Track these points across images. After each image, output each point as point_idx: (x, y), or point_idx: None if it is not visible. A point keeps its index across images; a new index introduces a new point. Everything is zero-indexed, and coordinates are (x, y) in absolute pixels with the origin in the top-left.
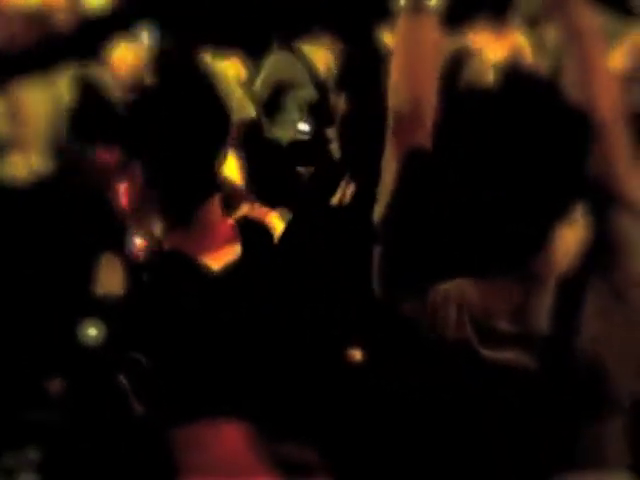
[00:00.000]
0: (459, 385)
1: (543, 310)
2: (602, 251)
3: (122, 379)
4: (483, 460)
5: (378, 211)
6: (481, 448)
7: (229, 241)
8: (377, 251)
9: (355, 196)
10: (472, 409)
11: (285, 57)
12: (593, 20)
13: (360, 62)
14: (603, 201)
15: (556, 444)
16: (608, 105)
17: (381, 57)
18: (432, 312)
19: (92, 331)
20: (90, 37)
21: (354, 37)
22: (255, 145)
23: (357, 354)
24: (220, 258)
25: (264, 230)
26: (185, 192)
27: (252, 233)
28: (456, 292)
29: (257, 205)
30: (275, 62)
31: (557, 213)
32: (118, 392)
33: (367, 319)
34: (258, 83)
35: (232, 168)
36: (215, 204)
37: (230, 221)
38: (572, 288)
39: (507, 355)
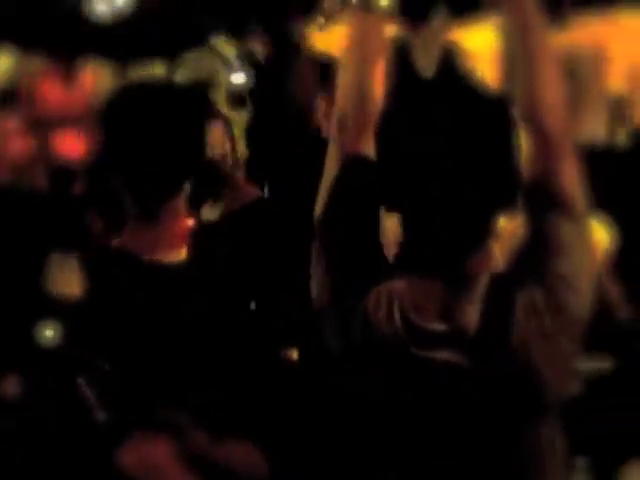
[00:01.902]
0: (391, 384)
1: (474, 309)
2: (536, 252)
3: (82, 383)
4: (411, 457)
5: (317, 210)
6: (410, 444)
7: (182, 241)
8: (314, 250)
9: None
10: (405, 408)
11: (202, 54)
12: (540, 17)
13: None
14: (541, 203)
15: (488, 444)
16: (553, 109)
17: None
18: (364, 310)
19: (48, 332)
20: None
21: (280, 35)
22: None
23: (293, 353)
24: (171, 257)
25: (213, 233)
26: (153, 188)
27: (203, 236)
28: (387, 291)
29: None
30: (192, 60)
31: (491, 213)
32: (77, 396)
33: (304, 319)
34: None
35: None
36: (181, 203)
37: (190, 222)
38: (503, 288)
39: (438, 354)
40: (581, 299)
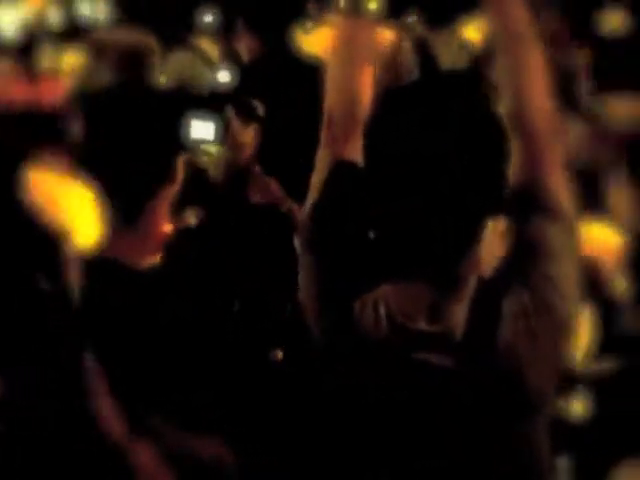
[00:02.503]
0: (379, 386)
1: (462, 311)
2: (523, 255)
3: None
4: (400, 458)
5: (305, 211)
6: (399, 446)
7: (160, 247)
8: (300, 252)
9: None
10: (393, 410)
11: (184, 54)
12: (529, 21)
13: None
14: (528, 207)
15: (475, 445)
16: (540, 112)
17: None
18: (351, 313)
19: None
20: None
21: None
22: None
23: (279, 354)
24: (148, 262)
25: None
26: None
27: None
28: (373, 294)
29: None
30: (175, 60)
31: (480, 217)
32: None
33: (289, 320)
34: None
35: None
36: (161, 208)
37: (169, 227)
38: (491, 290)
39: (425, 356)
40: (567, 302)
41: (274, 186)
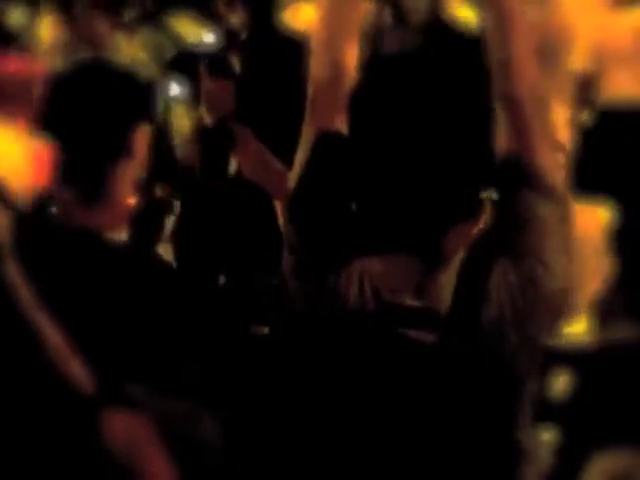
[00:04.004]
0: (361, 360)
1: (448, 287)
2: (511, 230)
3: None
4: (381, 434)
5: (290, 183)
6: (381, 421)
7: (125, 220)
8: (286, 227)
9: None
10: (375, 384)
11: (154, 32)
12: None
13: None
14: (515, 180)
15: (456, 423)
16: (526, 82)
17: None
18: (336, 285)
19: None
20: None
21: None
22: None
23: (264, 329)
24: (113, 233)
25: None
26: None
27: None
28: (359, 267)
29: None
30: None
31: (468, 192)
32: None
33: (274, 295)
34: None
35: None
36: (125, 180)
37: (134, 200)
38: (477, 266)
39: (409, 331)
40: (555, 279)
41: (262, 148)
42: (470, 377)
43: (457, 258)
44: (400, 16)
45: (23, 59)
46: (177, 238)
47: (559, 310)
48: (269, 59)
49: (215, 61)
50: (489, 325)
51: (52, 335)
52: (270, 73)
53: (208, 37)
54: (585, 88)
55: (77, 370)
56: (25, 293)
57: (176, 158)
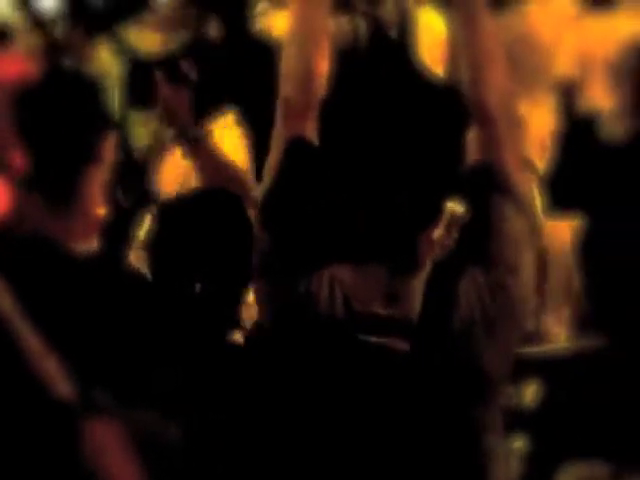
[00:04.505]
0: (331, 368)
1: (418, 294)
2: (480, 237)
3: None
4: (353, 443)
5: (260, 193)
6: (351, 428)
7: (95, 230)
8: (257, 233)
9: None
10: (345, 392)
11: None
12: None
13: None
14: (485, 187)
15: (429, 428)
16: (496, 87)
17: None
18: (306, 293)
19: None
20: None
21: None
22: None
23: (238, 336)
24: (84, 246)
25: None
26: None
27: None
28: (330, 274)
29: None
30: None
31: (437, 199)
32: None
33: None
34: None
35: None
36: (93, 189)
37: (102, 210)
38: (447, 273)
39: (380, 339)
40: (522, 285)
41: (219, 153)
42: (441, 385)
43: (426, 265)
44: (375, 27)
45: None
46: (151, 246)
47: (525, 316)
48: (242, 66)
49: (172, 68)
50: (459, 330)
51: (33, 343)
52: (242, 79)
53: (166, 44)
54: (568, 97)
55: (57, 378)
56: (4, 301)
57: (140, 165)
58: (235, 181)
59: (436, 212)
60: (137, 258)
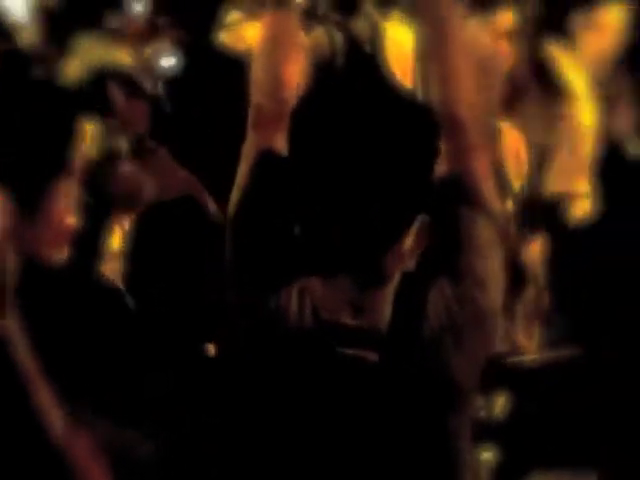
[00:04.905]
0: (302, 379)
1: (387, 306)
2: (449, 249)
3: None
4: (322, 455)
5: (230, 205)
6: (322, 440)
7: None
8: (228, 246)
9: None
10: (316, 404)
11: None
12: (459, 25)
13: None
14: (457, 200)
15: (399, 438)
16: (466, 99)
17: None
18: (276, 305)
19: None
20: None
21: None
22: None
23: (211, 348)
24: (54, 256)
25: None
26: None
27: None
28: (299, 287)
29: None
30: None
31: (406, 212)
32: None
33: (220, 313)
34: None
35: None
36: (63, 200)
37: (73, 220)
38: (415, 284)
39: (349, 350)
40: (490, 297)
41: (182, 172)
42: (411, 396)
43: (395, 276)
44: (350, 40)
45: None
46: (126, 256)
47: (494, 328)
48: (209, 79)
49: (128, 81)
50: (428, 341)
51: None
52: (210, 93)
53: (123, 58)
54: None
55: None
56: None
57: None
58: (191, 193)
59: (406, 224)
60: (111, 270)
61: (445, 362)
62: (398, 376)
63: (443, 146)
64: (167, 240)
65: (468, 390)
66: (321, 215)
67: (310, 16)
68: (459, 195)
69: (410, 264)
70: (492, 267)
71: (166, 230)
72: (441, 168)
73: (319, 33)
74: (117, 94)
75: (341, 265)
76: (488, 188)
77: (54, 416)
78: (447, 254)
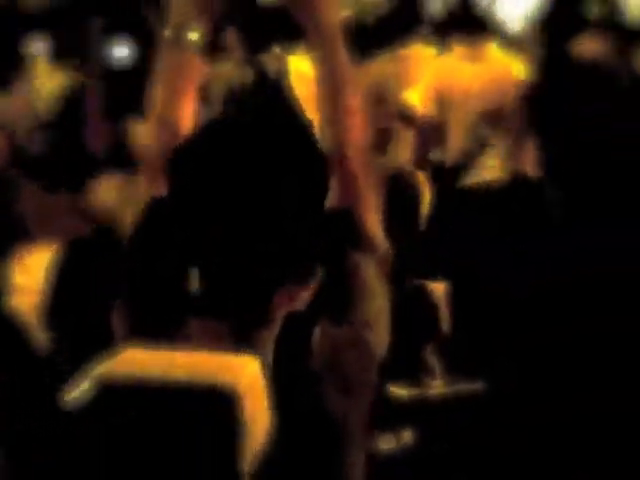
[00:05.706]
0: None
1: (270, 343)
2: (336, 291)
3: None
4: None
5: (123, 250)
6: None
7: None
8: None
9: None
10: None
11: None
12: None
13: None
14: (343, 239)
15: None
16: (355, 139)
17: None
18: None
19: None
20: None
21: None
22: None
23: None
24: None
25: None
26: None
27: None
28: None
29: None
30: None
31: (291, 259)
32: None
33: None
34: None
35: None
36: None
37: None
38: (300, 326)
39: None
40: (376, 336)
41: (45, 200)
42: (296, 437)
43: (278, 319)
44: (261, 77)
45: None
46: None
47: (379, 365)
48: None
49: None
50: (311, 381)
51: None
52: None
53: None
54: (428, 135)
55: None
56: None
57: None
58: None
59: (293, 266)
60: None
61: (330, 401)
62: (281, 417)
63: (335, 183)
64: (88, 274)
65: (358, 430)
66: (202, 262)
67: (217, 51)
68: (348, 234)
69: (297, 305)
70: (379, 307)
71: (87, 265)
72: (333, 205)
73: (228, 67)
74: None
75: (223, 309)
76: (375, 227)
77: None
78: (335, 296)
